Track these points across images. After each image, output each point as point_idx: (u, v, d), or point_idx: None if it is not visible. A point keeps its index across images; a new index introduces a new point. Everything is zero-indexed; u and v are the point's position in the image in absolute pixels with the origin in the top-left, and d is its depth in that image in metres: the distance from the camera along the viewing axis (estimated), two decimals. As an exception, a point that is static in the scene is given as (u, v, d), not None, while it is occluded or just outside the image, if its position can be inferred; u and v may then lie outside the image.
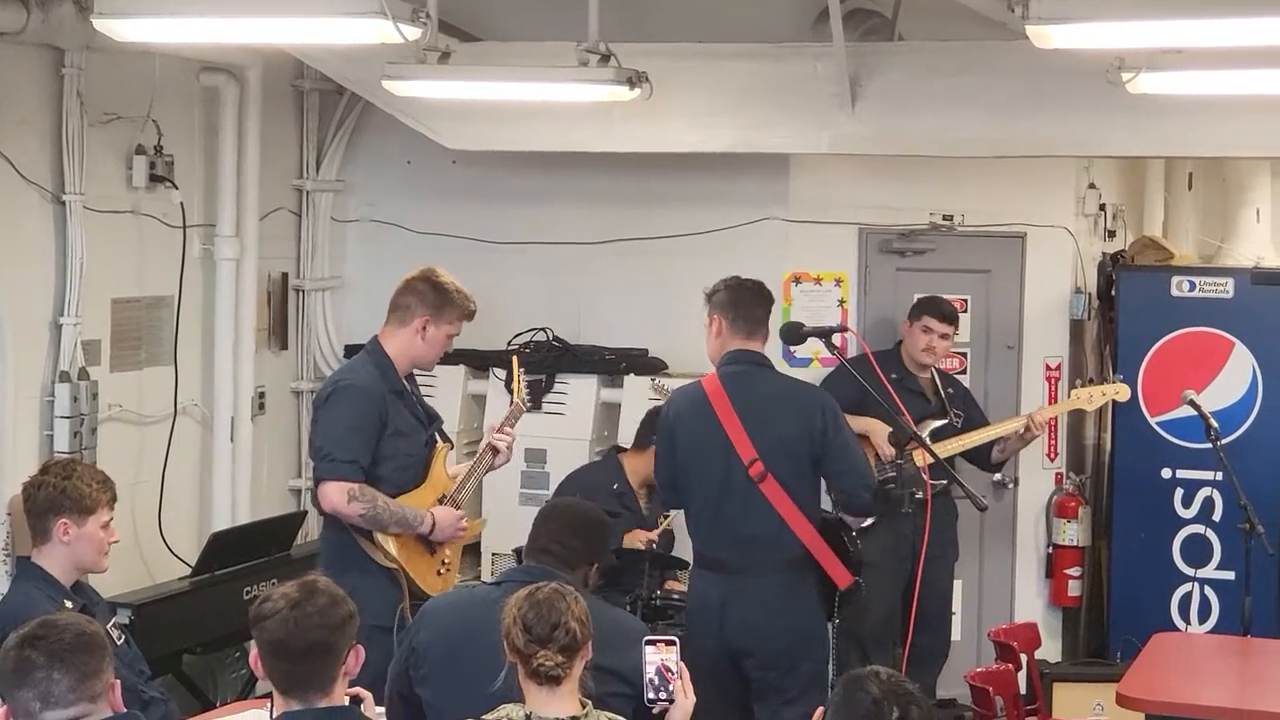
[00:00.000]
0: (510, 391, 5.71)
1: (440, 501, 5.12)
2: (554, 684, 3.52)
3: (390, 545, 4.98)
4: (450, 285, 5.18)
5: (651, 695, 3.73)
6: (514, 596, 3.59)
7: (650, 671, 3.73)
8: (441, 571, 5.13)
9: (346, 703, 3.25)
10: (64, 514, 4.34)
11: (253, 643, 3.24)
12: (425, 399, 5.30)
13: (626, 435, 7.03)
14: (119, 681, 2.97)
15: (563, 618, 3.51)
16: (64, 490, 4.36)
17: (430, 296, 5.11)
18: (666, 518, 6.76)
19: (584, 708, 3.55)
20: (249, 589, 6.07)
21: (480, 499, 7.16)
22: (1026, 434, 6.45)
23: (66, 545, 4.35)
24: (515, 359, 5.79)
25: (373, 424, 4.94)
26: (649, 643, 3.77)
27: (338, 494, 4.86)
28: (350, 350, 7.64)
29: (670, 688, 3.72)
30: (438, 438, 5.22)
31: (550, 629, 3.50)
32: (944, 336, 6.56)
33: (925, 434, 6.10)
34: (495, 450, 5.28)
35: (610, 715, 3.63)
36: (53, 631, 2.93)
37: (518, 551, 5.39)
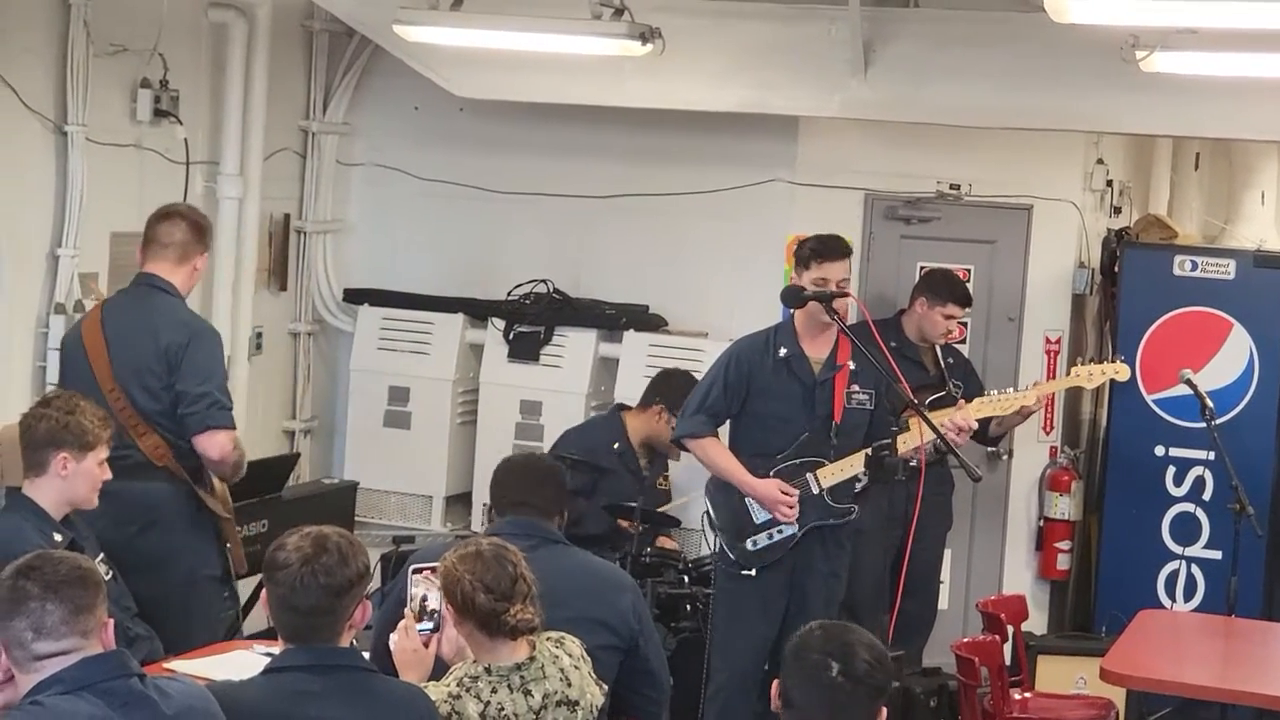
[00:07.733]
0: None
1: None
2: (529, 634, 3.52)
3: (227, 494, 5.00)
4: None
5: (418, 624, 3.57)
6: (453, 562, 3.50)
7: (431, 599, 3.54)
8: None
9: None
10: (65, 448, 4.34)
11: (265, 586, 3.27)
12: None
13: (623, 390, 7.02)
14: (112, 621, 2.97)
15: (517, 569, 3.51)
16: (67, 425, 4.36)
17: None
18: (666, 479, 6.75)
19: (533, 647, 3.55)
20: (241, 528, 6.06)
21: (472, 449, 7.18)
22: (1024, 411, 6.40)
23: (63, 479, 4.35)
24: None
25: None
26: (416, 570, 3.61)
27: (229, 441, 4.87)
28: (350, 294, 7.64)
29: (437, 616, 3.56)
30: None
31: (512, 584, 3.49)
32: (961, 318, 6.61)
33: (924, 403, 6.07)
34: None
35: (556, 633, 3.62)
36: (48, 564, 2.94)
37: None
